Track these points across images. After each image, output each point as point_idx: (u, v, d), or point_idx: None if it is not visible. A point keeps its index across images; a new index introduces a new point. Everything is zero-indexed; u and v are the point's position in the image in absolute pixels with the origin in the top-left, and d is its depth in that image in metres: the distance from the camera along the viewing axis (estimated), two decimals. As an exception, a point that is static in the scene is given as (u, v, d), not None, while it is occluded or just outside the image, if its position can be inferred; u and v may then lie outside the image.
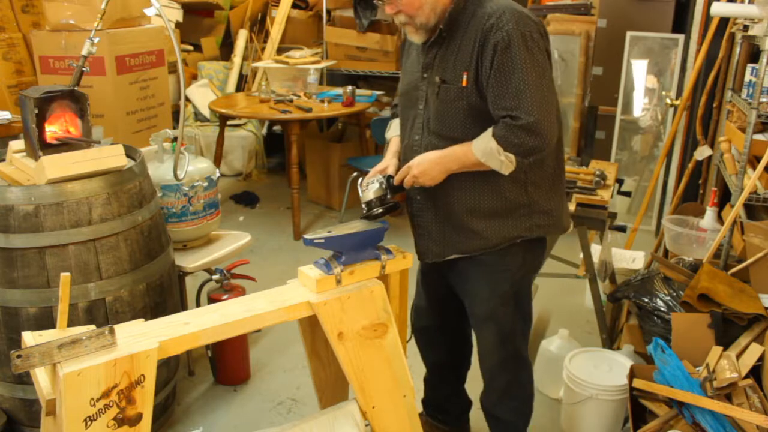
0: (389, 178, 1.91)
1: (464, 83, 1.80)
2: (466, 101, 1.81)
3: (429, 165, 1.83)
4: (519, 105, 1.72)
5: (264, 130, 5.75)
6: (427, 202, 1.98)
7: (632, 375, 2.17)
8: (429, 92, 1.89)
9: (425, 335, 2.31)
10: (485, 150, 1.76)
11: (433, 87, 1.86)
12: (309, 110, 4.27)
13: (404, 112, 2.02)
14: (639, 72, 4.54)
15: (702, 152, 3.55)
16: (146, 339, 1.52)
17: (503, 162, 1.76)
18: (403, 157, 2.01)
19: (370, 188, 1.90)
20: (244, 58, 5.72)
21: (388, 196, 1.90)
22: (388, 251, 1.88)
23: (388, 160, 2.03)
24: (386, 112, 5.15)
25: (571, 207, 2.69)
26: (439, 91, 1.85)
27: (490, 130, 1.77)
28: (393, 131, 2.16)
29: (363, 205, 1.92)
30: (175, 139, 2.75)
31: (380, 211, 1.88)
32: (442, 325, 2.28)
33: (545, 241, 2.05)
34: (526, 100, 1.71)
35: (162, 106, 4.31)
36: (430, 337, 2.31)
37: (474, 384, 2.45)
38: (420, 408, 2.40)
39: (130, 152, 2.42)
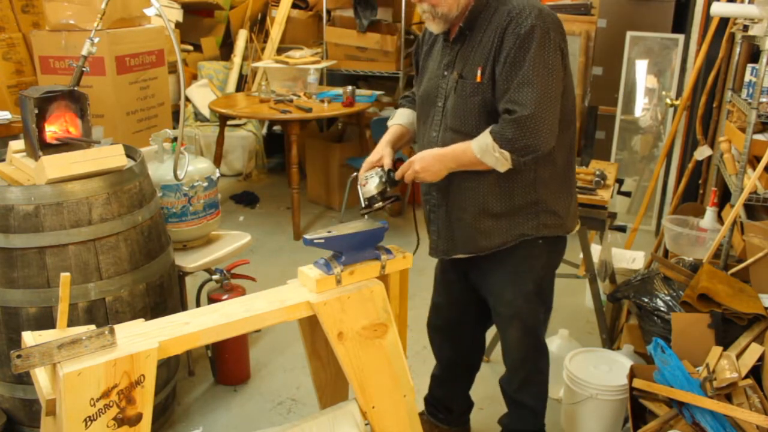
0: (390, 171, 1.91)
1: (479, 78, 1.80)
2: (482, 97, 1.81)
3: (431, 161, 1.85)
4: (518, 98, 1.72)
5: (264, 130, 5.75)
6: (441, 200, 2.00)
7: (632, 375, 2.16)
8: (448, 89, 1.90)
9: (441, 332, 2.32)
10: (482, 146, 1.77)
11: (452, 83, 1.88)
12: (309, 110, 4.27)
13: (423, 111, 2.02)
14: (639, 72, 4.54)
15: (702, 152, 3.55)
16: (146, 339, 1.52)
17: (498, 159, 1.76)
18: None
19: (370, 182, 1.89)
20: (244, 58, 5.72)
21: (388, 190, 1.90)
22: (388, 251, 1.87)
23: (382, 150, 2.01)
24: (386, 112, 5.15)
25: (571, 207, 2.69)
26: (457, 87, 1.87)
27: (490, 127, 1.77)
28: (395, 119, 2.16)
29: (363, 201, 1.90)
30: (175, 139, 2.75)
31: (381, 204, 1.88)
32: (460, 323, 2.28)
33: (565, 239, 2.06)
34: (526, 94, 1.71)
35: (162, 106, 4.31)
36: (447, 334, 2.32)
37: (478, 384, 2.46)
38: (421, 406, 2.40)
39: (130, 152, 2.42)
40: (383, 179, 1.89)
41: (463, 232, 1.97)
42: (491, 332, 2.49)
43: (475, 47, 1.83)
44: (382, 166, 1.95)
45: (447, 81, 1.90)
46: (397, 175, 1.90)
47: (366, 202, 1.90)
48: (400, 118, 2.16)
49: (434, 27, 1.87)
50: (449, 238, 2.02)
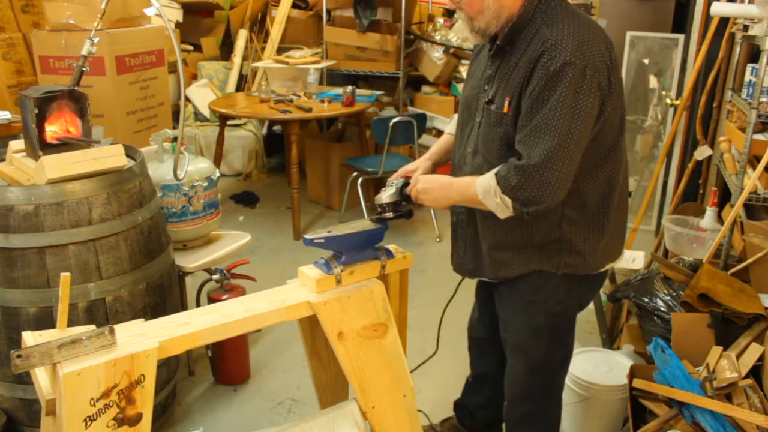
0: (406, 184, 1.86)
1: (505, 109, 1.66)
2: (504, 129, 1.68)
3: (435, 186, 1.79)
4: (531, 143, 1.57)
5: (264, 130, 5.75)
6: (470, 217, 1.88)
7: (632, 375, 2.17)
8: (482, 109, 1.77)
9: (476, 345, 2.31)
10: (485, 187, 1.65)
11: (485, 105, 1.76)
12: (309, 110, 4.28)
13: (463, 119, 1.88)
14: (638, 72, 4.54)
15: (702, 152, 3.55)
16: (146, 339, 1.52)
17: (498, 204, 1.63)
18: (455, 165, 1.93)
19: (386, 191, 1.86)
20: (244, 58, 5.72)
21: (403, 203, 1.86)
22: (388, 251, 1.87)
23: (420, 162, 1.93)
24: (386, 112, 5.15)
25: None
26: (484, 113, 1.75)
27: (497, 168, 1.65)
28: (449, 127, 2.03)
29: (377, 207, 1.91)
30: (175, 139, 2.75)
31: (390, 216, 1.86)
32: (491, 338, 2.19)
33: (593, 277, 1.85)
34: (539, 141, 1.56)
35: (162, 106, 4.31)
36: (480, 348, 2.30)
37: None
38: (421, 406, 2.40)
39: (130, 152, 2.42)
40: (397, 192, 1.85)
41: (487, 257, 1.88)
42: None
43: (511, 70, 1.66)
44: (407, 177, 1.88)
45: (485, 97, 1.76)
46: (409, 188, 1.84)
47: (378, 209, 1.90)
48: (454, 127, 1.98)
49: (472, 38, 1.76)
50: (476, 258, 1.91)
